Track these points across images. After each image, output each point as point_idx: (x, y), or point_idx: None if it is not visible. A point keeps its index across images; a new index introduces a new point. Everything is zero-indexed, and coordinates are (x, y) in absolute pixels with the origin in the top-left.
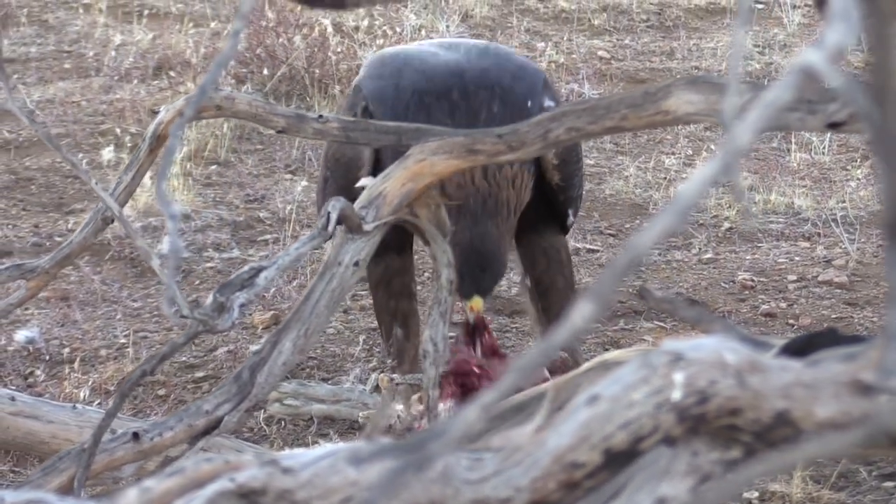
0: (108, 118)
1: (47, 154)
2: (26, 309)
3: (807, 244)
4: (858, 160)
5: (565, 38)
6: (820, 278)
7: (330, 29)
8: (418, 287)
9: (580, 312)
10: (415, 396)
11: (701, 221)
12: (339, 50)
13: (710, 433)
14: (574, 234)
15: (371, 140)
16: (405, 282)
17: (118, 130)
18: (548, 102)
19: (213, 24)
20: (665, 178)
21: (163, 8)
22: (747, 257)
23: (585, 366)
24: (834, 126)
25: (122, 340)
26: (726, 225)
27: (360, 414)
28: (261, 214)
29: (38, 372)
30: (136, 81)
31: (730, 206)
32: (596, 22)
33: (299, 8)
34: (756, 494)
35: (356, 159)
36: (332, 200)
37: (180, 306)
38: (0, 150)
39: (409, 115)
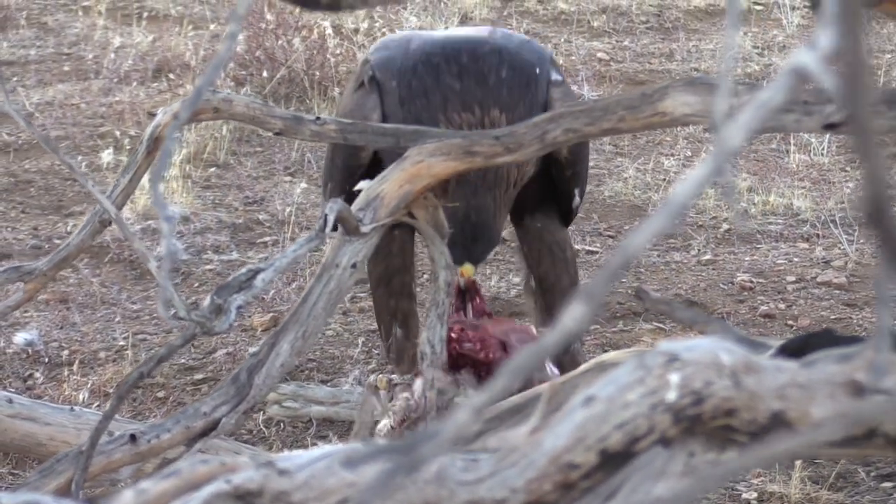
0: (107, 121)
1: (46, 157)
2: (25, 311)
3: (806, 245)
4: (857, 161)
5: (564, 40)
6: (819, 279)
7: (329, 31)
8: (417, 289)
9: (572, 314)
10: (403, 394)
11: (700, 223)
12: (338, 52)
13: (706, 434)
14: (573, 236)
15: (369, 142)
16: (405, 281)
17: (117, 133)
18: (555, 76)
19: (212, 27)
20: (664, 179)
21: (162, 10)
22: (746, 258)
23: (583, 367)
24: (831, 127)
25: (121, 343)
26: (725, 226)
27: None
28: (260, 217)
29: (37, 374)
30: (135, 84)
31: (729, 208)
32: (595, 24)
33: (297, 10)
34: (755, 495)
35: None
36: (330, 202)
37: (177, 308)
38: None
39: (416, 77)
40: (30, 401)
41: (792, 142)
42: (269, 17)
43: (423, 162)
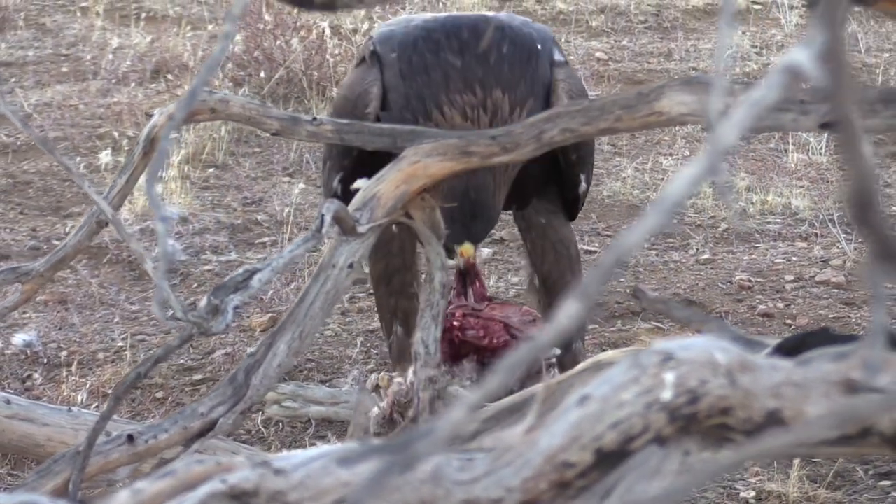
0: (105, 122)
1: (45, 158)
2: (24, 312)
3: (804, 244)
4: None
5: (563, 40)
6: (817, 278)
7: (328, 31)
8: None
9: (566, 312)
10: (396, 380)
11: (698, 222)
12: (336, 52)
13: (702, 433)
14: None
15: (365, 142)
16: (406, 280)
17: (116, 134)
18: (558, 56)
19: (210, 27)
20: (663, 179)
21: (160, 11)
22: (744, 258)
23: (579, 366)
24: (827, 126)
25: (120, 344)
26: (723, 226)
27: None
28: (259, 217)
29: (35, 375)
30: (133, 85)
31: (726, 207)
32: (594, 23)
33: (296, 11)
34: (753, 494)
35: (364, 95)
36: (327, 203)
37: (174, 308)
38: None
39: (416, 53)
40: (28, 401)
41: (790, 141)
42: (267, 17)
43: (420, 162)
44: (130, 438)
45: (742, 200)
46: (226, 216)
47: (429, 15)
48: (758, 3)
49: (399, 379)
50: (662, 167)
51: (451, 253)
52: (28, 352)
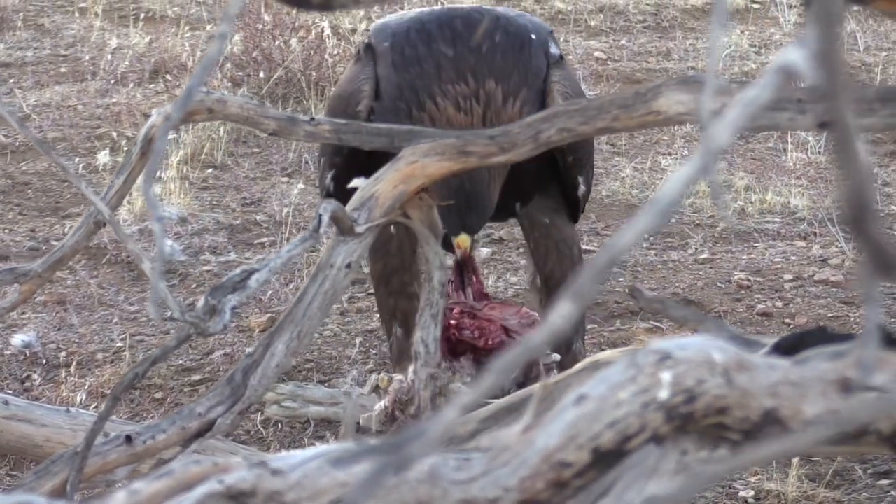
0: (104, 122)
1: (44, 158)
2: (23, 313)
3: (803, 243)
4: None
5: (562, 39)
6: (816, 277)
7: (327, 32)
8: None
9: (560, 312)
10: (397, 377)
11: (697, 222)
12: (335, 53)
13: (699, 432)
14: None
15: (363, 142)
16: (405, 280)
17: (114, 134)
18: (554, 49)
19: (209, 28)
20: (662, 178)
21: (159, 11)
22: (743, 257)
23: (577, 366)
24: (825, 125)
25: (119, 344)
26: (722, 225)
27: (362, 416)
28: (257, 217)
29: (34, 376)
30: (132, 85)
31: (721, 207)
32: (592, 23)
33: (294, 11)
34: (752, 493)
35: (356, 93)
36: (324, 203)
37: (172, 309)
38: None
39: (409, 44)
40: (26, 402)
41: (789, 140)
42: (266, 17)
43: (418, 162)
44: (129, 439)
45: (741, 199)
46: (225, 217)
47: (424, 9)
48: (756, 3)
49: (400, 377)
50: (661, 167)
51: (447, 245)
52: (27, 352)
